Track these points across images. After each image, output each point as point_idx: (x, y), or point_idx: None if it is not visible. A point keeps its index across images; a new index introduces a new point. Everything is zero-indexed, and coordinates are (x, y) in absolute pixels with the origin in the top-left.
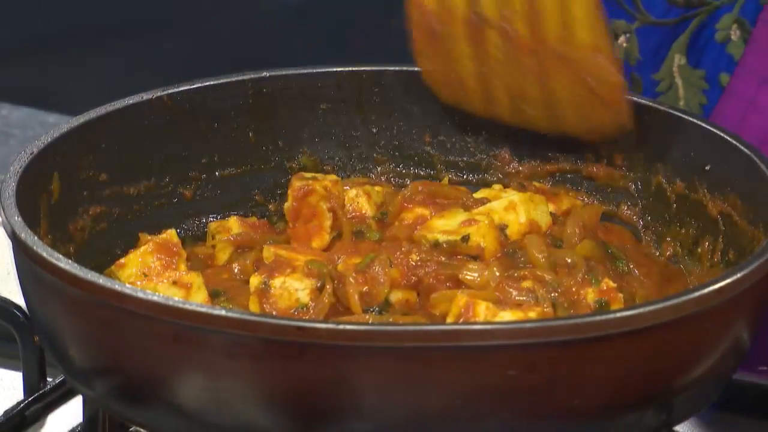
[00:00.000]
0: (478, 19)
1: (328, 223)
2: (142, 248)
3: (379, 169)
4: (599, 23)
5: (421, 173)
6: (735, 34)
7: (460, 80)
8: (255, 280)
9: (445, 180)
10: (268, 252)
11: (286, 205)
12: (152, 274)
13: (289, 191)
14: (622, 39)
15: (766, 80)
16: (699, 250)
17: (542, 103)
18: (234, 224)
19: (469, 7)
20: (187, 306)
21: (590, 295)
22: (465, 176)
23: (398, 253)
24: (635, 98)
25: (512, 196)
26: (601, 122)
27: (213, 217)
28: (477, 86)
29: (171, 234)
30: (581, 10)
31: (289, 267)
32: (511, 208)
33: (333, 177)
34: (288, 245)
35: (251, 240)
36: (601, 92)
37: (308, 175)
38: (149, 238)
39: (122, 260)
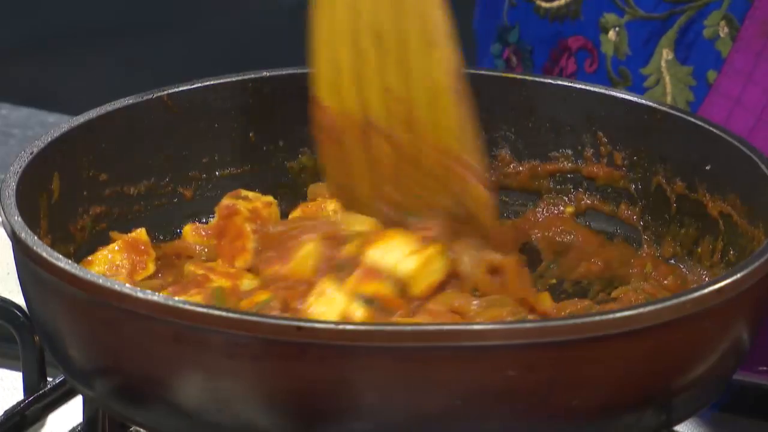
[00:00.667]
0: (368, 125)
1: (251, 245)
2: (110, 246)
3: None
4: (467, 134)
5: None
6: (723, 31)
7: (353, 185)
8: None
9: None
10: (188, 269)
11: (212, 222)
12: (120, 272)
13: (216, 208)
14: (611, 33)
15: (752, 79)
16: (699, 250)
17: (425, 205)
18: (186, 232)
19: (362, 112)
20: (187, 306)
21: None
22: None
23: None
24: (636, 97)
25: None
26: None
27: (213, 217)
28: (368, 191)
29: (140, 233)
30: (446, 115)
31: (196, 288)
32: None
33: (268, 199)
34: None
35: (177, 250)
36: (471, 208)
37: (244, 193)
38: (119, 236)
39: (90, 258)
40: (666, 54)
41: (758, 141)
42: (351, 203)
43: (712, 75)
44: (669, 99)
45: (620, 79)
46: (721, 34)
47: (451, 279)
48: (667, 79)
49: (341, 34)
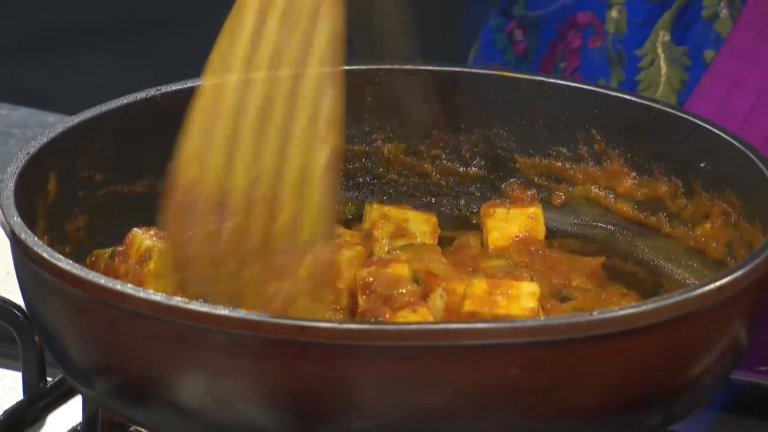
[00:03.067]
0: (221, 201)
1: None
2: None
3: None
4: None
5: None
6: (723, 12)
7: (190, 259)
8: None
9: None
10: None
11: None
12: None
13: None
14: (614, 11)
15: (752, 60)
16: (695, 246)
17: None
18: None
19: (222, 184)
20: (189, 306)
21: None
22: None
23: None
24: (631, 95)
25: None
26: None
27: None
28: (207, 269)
29: None
30: (311, 203)
31: None
32: None
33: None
34: None
35: None
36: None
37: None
38: None
39: None
40: (662, 35)
41: (756, 122)
42: (185, 281)
43: (709, 55)
44: (663, 79)
45: (617, 58)
46: (721, 15)
47: None
48: (662, 59)
49: (225, 105)
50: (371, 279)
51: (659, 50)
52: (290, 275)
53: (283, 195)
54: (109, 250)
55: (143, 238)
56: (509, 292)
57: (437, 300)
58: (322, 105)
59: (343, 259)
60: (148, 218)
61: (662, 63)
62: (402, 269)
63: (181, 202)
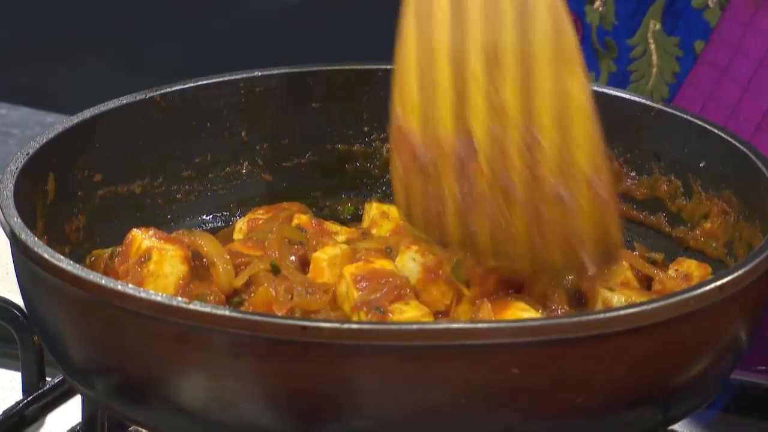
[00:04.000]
0: (466, 147)
1: None
2: None
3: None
4: (599, 151)
5: None
6: (712, 1)
7: (439, 216)
8: None
9: None
10: None
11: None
12: None
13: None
14: (597, 3)
15: (741, 49)
16: (694, 246)
17: (527, 243)
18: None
19: (457, 130)
20: (190, 306)
21: None
22: None
23: None
24: (629, 94)
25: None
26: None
27: (206, 217)
28: (457, 224)
29: None
30: (581, 131)
31: None
32: None
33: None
34: None
35: None
36: (592, 244)
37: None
38: None
39: None
40: (653, 25)
41: (746, 113)
42: (433, 233)
43: (699, 45)
44: (655, 70)
45: (605, 51)
46: (710, 4)
47: None
48: (654, 49)
49: (439, 54)
50: (363, 273)
51: (650, 40)
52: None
53: (544, 132)
54: (108, 251)
55: (142, 238)
56: None
57: (409, 262)
58: (562, 30)
59: (325, 257)
60: (147, 218)
61: (653, 53)
62: (388, 264)
63: (412, 164)
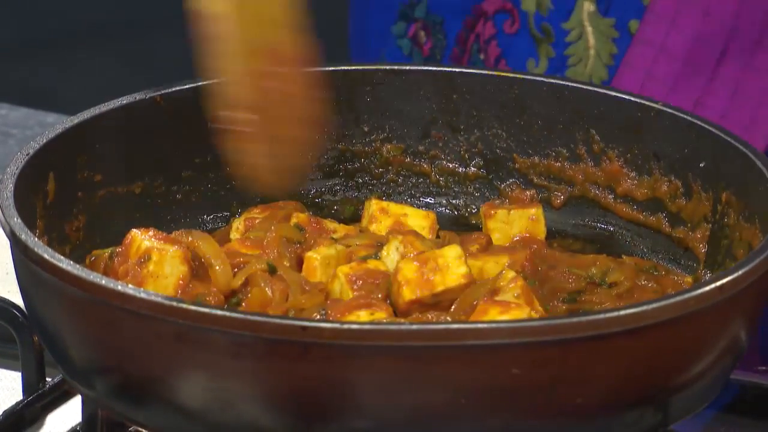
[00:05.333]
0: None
1: None
2: None
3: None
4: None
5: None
6: None
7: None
8: None
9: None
10: None
11: None
12: None
13: None
14: None
15: (676, 24)
16: (694, 247)
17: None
18: None
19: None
20: (190, 306)
21: None
22: (455, 175)
23: None
24: (629, 95)
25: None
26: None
27: (206, 217)
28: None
29: None
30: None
31: None
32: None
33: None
34: None
35: None
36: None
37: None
38: None
39: None
40: (587, 6)
41: (683, 89)
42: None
43: (634, 25)
44: (592, 53)
45: (543, 36)
46: None
47: None
48: (590, 32)
49: None
50: (357, 273)
51: (586, 22)
52: None
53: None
54: (108, 251)
55: (142, 239)
56: (438, 263)
57: (393, 251)
58: None
59: (318, 256)
60: (147, 219)
61: (590, 36)
62: (381, 264)
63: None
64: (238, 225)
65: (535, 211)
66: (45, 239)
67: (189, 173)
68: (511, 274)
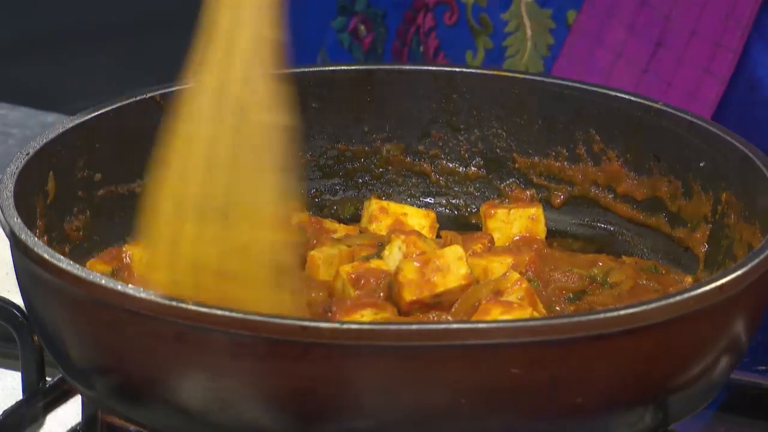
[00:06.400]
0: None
1: None
2: None
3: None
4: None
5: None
6: None
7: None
8: None
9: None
10: None
11: None
12: None
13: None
14: None
15: (612, 14)
16: (694, 247)
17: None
18: None
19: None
20: (190, 306)
21: None
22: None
23: None
24: (628, 95)
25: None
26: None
27: None
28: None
29: None
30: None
31: None
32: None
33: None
34: None
35: None
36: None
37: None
38: None
39: None
40: None
41: (616, 79)
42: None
43: (571, 16)
44: (530, 44)
45: (481, 28)
46: None
47: None
48: (527, 23)
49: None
50: (359, 272)
51: (523, 12)
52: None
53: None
54: (109, 270)
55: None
56: (438, 264)
57: (395, 251)
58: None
59: (321, 255)
60: None
61: (527, 27)
62: (383, 264)
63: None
64: None
65: (535, 211)
66: (45, 239)
67: None
68: (515, 275)
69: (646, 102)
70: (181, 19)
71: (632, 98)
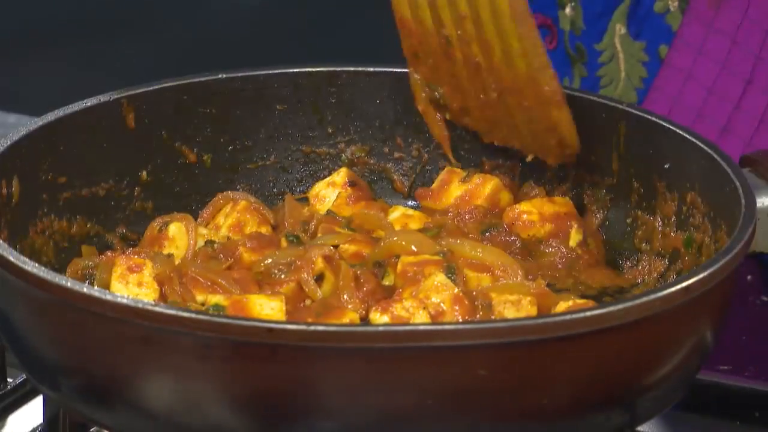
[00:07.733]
0: (444, 39)
1: None
2: None
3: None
4: (538, 55)
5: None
6: (673, 5)
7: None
8: None
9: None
10: None
11: None
12: None
13: None
14: (568, 9)
15: (703, 51)
16: (661, 248)
17: (502, 121)
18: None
19: (436, 26)
20: (156, 308)
21: None
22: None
23: None
24: (593, 96)
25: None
26: (549, 145)
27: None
28: (454, 97)
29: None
30: (518, 41)
31: None
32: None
33: None
34: None
35: None
36: (542, 122)
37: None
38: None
39: None
40: (619, 29)
41: (710, 115)
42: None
43: (663, 50)
44: (623, 75)
45: (577, 56)
46: (671, 8)
47: None
48: (621, 55)
49: None
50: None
51: (617, 45)
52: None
53: (488, 33)
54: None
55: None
56: None
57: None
58: None
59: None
60: (110, 220)
61: (621, 58)
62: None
63: (416, 52)
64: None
65: (495, 183)
66: (10, 241)
67: (152, 175)
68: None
69: (611, 103)
70: (144, 20)
71: (597, 99)
